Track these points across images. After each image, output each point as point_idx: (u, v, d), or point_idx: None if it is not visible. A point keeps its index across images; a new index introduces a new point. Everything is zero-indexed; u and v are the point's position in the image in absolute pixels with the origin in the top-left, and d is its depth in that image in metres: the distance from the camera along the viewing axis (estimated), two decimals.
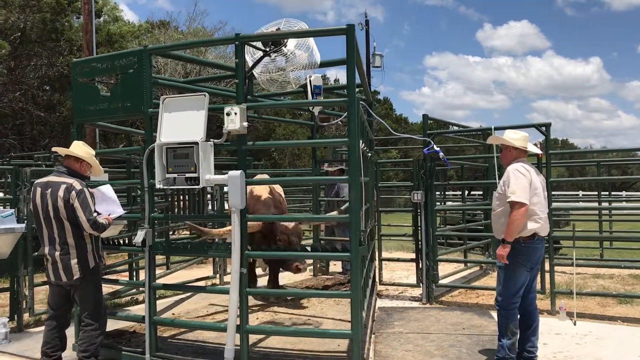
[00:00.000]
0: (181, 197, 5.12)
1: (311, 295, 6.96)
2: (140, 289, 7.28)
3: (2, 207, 6.77)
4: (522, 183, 4.78)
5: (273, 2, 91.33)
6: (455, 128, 11.01)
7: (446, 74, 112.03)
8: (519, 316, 5.02)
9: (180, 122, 4.65)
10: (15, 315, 6.70)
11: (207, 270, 9.96)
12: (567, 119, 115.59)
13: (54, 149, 5.22)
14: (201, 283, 8.32)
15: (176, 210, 5.05)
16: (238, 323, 4.52)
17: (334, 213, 7.05)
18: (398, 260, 9.52)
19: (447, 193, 14.25)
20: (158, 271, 6.97)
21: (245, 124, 4.53)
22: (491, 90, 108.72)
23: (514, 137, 5.10)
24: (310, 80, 6.20)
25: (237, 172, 4.49)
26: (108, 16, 26.91)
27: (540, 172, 7.90)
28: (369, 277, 6.59)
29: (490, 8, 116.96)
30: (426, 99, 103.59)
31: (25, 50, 22.37)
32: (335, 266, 9.95)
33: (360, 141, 4.67)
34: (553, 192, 7.13)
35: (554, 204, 7.21)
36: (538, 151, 5.70)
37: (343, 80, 33.07)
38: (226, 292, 4.55)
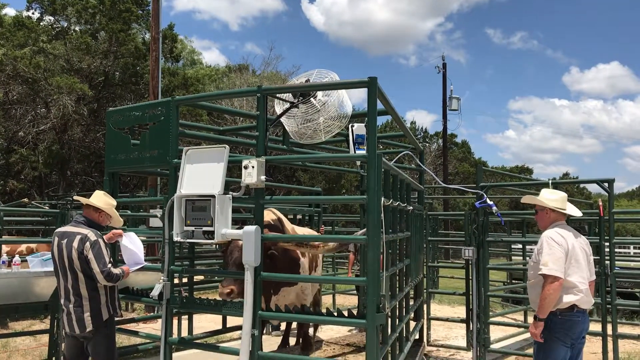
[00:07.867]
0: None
1: None
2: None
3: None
4: (555, 254, 4.29)
5: (358, 46, 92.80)
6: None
7: (532, 118, 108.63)
8: None
9: (201, 174, 4.54)
10: (54, 358, 6.73)
11: None
12: None
13: (75, 197, 5.25)
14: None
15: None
16: None
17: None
18: (447, 320, 8.93)
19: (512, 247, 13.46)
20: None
21: (263, 177, 4.36)
22: (580, 134, 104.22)
23: (550, 198, 4.61)
24: (352, 130, 6.00)
25: (253, 228, 4.30)
26: (186, 59, 28.05)
27: (604, 231, 7.25)
28: (407, 340, 6.17)
29: (577, 51, 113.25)
30: (511, 142, 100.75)
31: (107, 93, 23.63)
32: None
33: (384, 197, 4.37)
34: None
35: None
36: (579, 213, 4.78)
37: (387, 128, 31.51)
38: (237, 353, 4.32)
